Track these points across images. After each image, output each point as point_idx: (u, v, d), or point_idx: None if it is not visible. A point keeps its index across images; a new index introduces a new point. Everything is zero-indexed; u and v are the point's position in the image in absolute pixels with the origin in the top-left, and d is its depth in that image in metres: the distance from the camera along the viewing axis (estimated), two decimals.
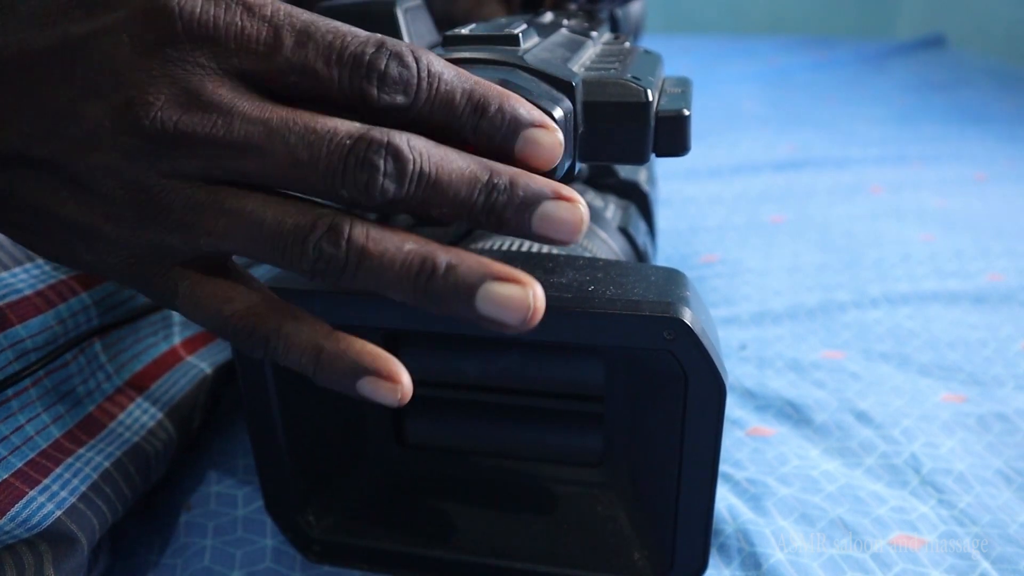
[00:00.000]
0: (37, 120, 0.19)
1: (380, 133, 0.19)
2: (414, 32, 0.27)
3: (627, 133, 0.24)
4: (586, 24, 0.34)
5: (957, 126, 0.99)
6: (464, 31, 0.26)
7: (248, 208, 0.19)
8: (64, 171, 0.19)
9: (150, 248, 0.20)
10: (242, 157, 0.19)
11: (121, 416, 0.31)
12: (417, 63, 0.19)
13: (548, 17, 0.34)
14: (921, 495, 0.36)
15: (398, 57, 0.19)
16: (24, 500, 0.26)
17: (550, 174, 0.22)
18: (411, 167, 0.19)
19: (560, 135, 0.21)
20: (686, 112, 0.24)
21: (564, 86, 0.24)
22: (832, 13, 1.96)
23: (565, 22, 0.32)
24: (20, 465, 0.27)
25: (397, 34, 0.26)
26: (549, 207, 0.19)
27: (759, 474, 0.37)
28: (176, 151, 0.18)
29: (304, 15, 0.19)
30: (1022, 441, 0.39)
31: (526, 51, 0.25)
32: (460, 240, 0.38)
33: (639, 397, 0.29)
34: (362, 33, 0.19)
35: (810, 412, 0.42)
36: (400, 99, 0.19)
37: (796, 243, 0.64)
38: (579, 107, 0.24)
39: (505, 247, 0.33)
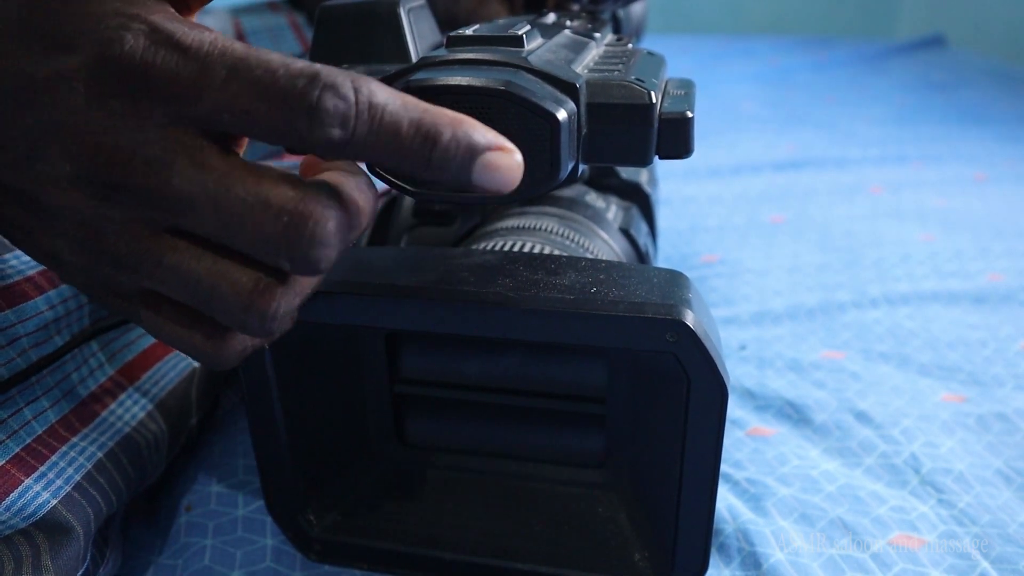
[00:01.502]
0: (8, 151, 0.19)
1: (310, 205, 0.19)
2: (417, 32, 0.27)
3: (630, 135, 0.24)
4: (589, 25, 0.34)
5: (957, 126, 0.99)
6: (468, 32, 0.26)
7: (184, 265, 0.19)
8: (34, 202, 0.20)
9: (104, 280, 0.21)
10: (180, 213, 0.19)
11: (113, 405, 0.32)
12: (356, 93, 0.18)
13: (551, 18, 0.34)
14: (921, 495, 0.36)
15: (333, 88, 0.18)
16: (20, 488, 0.26)
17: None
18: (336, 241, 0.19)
19: (518, 156, 0.20)
20: (689, 114, 0.24)
21: (568, 88, 0.24)
22: (832, 13, 1.96)
23: (568, 23, 0.32)
24: (17, 450, 0.27)
25: (401, 34, 0.26)
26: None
27: (759, 474, 0.37)
28: (123, 200, 0.19)
29: (240, 51, 0.18)
30: (1022, 441, 0.40)
31: (530, 52, 0.25)
32: (462, 239, 0.38)
33: (641, 398, 0.29)
34: (296, 65, 0.18)
35: (810, 412, 0.42)
36: (336, 133, 0.18)
37: (796, 243, 0.64)
38: (583, 109, 0.24)
39: (507, 247, 0.33)
